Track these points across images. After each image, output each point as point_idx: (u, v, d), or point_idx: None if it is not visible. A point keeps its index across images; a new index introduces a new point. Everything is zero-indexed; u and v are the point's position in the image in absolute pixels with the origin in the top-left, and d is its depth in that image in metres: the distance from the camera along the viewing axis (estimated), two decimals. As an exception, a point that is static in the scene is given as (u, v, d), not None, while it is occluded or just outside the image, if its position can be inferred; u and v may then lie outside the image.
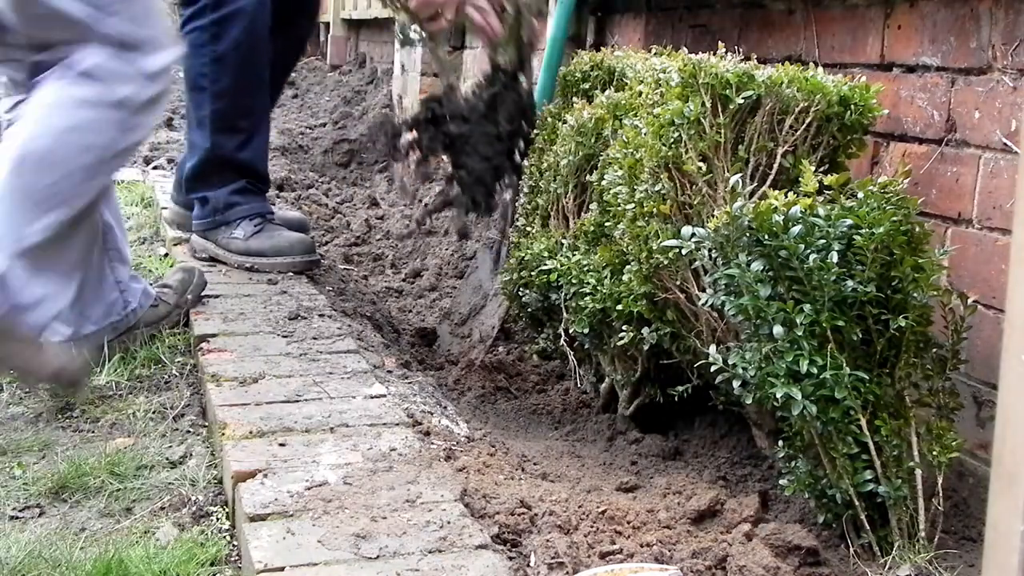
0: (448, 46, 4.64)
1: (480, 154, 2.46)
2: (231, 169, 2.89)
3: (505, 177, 2.53)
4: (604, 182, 1.98)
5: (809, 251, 1.52)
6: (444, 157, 2.55)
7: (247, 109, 2.86)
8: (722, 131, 1.72)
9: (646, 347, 1.94)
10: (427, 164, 2.55)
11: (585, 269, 2.05)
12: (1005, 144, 1.68)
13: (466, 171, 2.48)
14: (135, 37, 2.05)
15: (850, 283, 1.52)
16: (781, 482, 1.67)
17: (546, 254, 2.20)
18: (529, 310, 2.34)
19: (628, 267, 1.90)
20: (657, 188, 1.78)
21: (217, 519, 1.68)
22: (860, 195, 1.56)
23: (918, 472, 1.54)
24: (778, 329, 1.53)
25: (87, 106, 2.04)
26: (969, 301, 1.57)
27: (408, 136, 2.49)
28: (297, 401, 1.95)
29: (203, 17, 2.74)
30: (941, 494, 1.54)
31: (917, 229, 1.58)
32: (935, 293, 1.56)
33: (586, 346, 2.18)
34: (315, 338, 2.32)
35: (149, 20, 2.09)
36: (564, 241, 2.21)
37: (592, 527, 1.52)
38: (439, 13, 2.33)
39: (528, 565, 1.38)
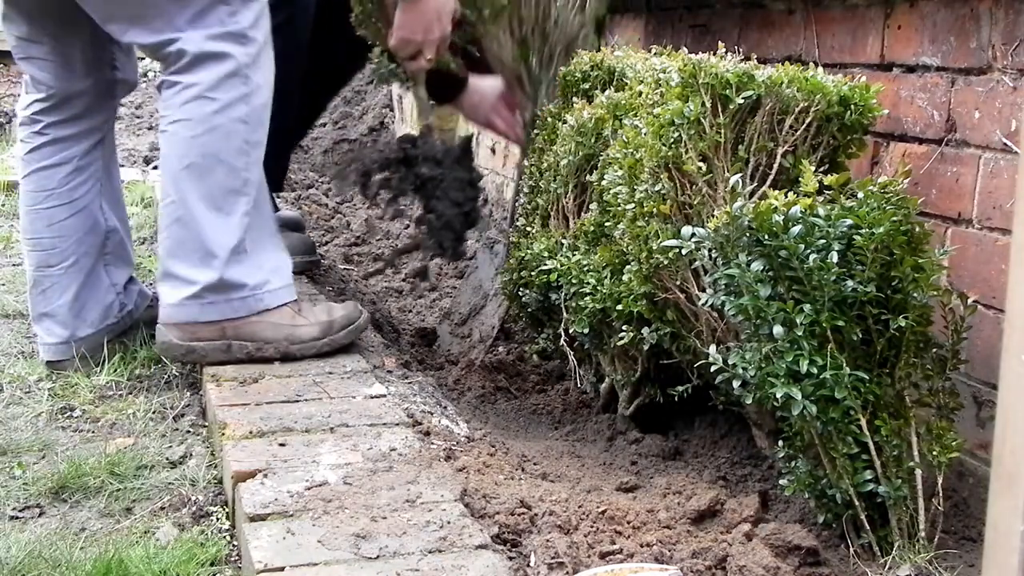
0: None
1: (451, 199, 2.43)
2: None
3: (476, 224, 2.50)
4: (604, 182, 1.98)
5: (809, 251, 1.52)
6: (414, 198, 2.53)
7: None
8: (722, 131, 1.72)
9: (646, 347, 1.94)
10: (397, 203, 2.53)
11: (585, 269, 2.05)
12: (1005, 144, 1.68)
13: (435, 215, 2.43)
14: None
15: (850, 283, 1.52)
16: (781, 482, 1.67)
17: (546, 254, 2.20)
18: (529, 310, 2.34)
19: (628, 267, 1.90)
20: (657, 188, 1.78)
21: (217, 519, 1.68)
22: (860, 195, 1.56)
23: (918, 472, 1.54)
24: (778, 329, 1.53)
25: (214, 91, 2.08)
26: (969, 301, 1.57)
27: (380, 174, 2.47)
28: (297, 401, 1.95)
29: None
30: (941, 494, 1.54)
31: (917, 229, 1.58)
32: (935, 293, 1.56)
33: (586, 346, 2.18)
34: (315, 338, 2.32)
35: None
36: (564, 241, 2.21)
37: (592, 527, 1.52)
38: (419, 53, 2.33)
39: (528, 565, 1.38)
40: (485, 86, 2.59)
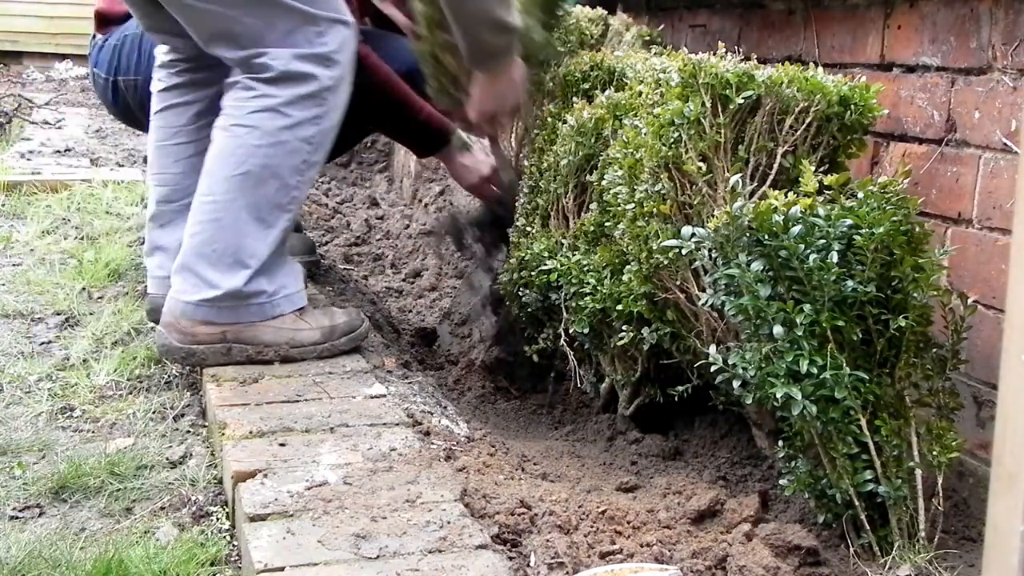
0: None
1: None
2: None
3: None
4: (604, 182, 1.98)
5: (809, 251, 1.52)
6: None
7: None
8: (722, 131, 1.72)
9: (646, 347, 1.94)
10: (490, 259, 2.72)
11: (585, 269, 2.05)
12: (1005, 144, 1.68)
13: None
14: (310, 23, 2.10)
15: (850, 283, 1.52)
16: (781, 482, 1.67)
17: (546, 254, 2.20)
18: (529, 310, 2.34)
19: (628, 267, 1.90)
20: (657, 188, 1.78)
21: (217, 519, 1.68)
22: (860, 195, 1.56)
23: (918, 472, 1.54)
24: (778, 329, 1.53)
25: (288, 107, 2.08)
26: (969, 301, 1.57)
27: (472, 233, 2.73)
28: (297, 401, 1.95)
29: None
30: (941, 494, 1.54)
31: (917, 229, 1.58)
32: (935, 293, 1.56)
33: (586, 346, 2.18)
34: (315, 338, 2.32)
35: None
36: (564, 241, 2.21)
37: (592, 527, 1.52)
38: (496, 120, 2.41)
39: (528, 565, 1.38)
40: (479, 157, 2.69)
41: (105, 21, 2.88)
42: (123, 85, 2.82)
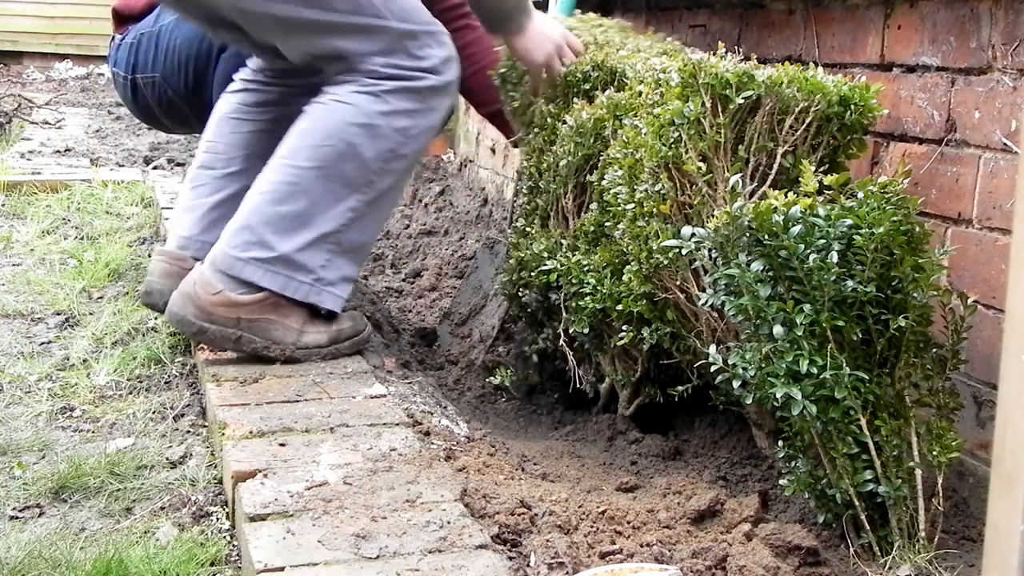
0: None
1: None
2: None
3: None
4: (604, 182, 1.98)
5: (809, 251, 1.52)
6: None
7: None
8: (722, 131, 1.72)
9: (646, 347, 1.94)
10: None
11: (585, 269, 2.05)
12: (1005, 144, 1.68)
13: None
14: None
15: (850, 283, 1.52)
16: (781, 482, 1.67)
17: (546, 254, 2.20)
18: (529, 310, 2.34)
19: (628, 267, 1.90)
20: (657, 188, 1.78)
21: (217, 519, 1.68)
22: (860, 195, 1.56)
23: (918, 472, 1.54)
24: (778, 329, 1.53)
25: (389, 95, 2.11)
26: (969, 301, 1.57)
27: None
28: (297, 401, 1.95)
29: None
30: (941, 494, 1.54)
31: (917, 229, 1.58)
32: (935, 293, 1.56)
33: (586, 346, 2.18)
34: (315, 338, 2.31)
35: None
36: (564, 241, 2.20)
37: (592, 527, 1.52)
38: (550, 67, 2.41)
39: (528, 565, 1.38)
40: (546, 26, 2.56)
41: (122, 19, 2.88)
42: (142, 83, 2.82)
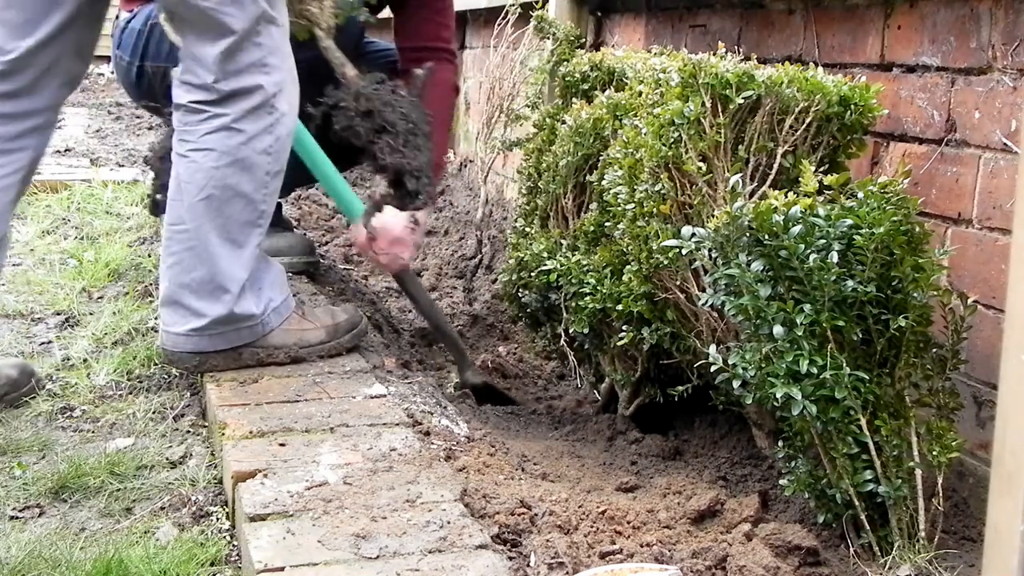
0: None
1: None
2: None
3: None
4: (604, 182, 1.98)
5: (809, 251, 1.52)
6: None
7: None
8: (722, 131, 1.72)
9: (646, 347, 1.94)
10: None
11: (585, 269, 2.05)
12: (1005, 144, 1.68)
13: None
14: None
15: (850, 283, 1.52)
16: (781, 482, 1.67)
17: (545, 254, 2.20)
18: (529, 310, 2.34)
19: (628, 267, 1.90)
20: (657, 188, 1.78)
21: (217, 519, 1.68)
22: (860, 195, 1.56)
23: (918, 472, 1.54)
24: (778, 329, 1.53)
25: (241, 122, 2.03)
26: (969, 301, 1.57)
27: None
28: (297, 401, 1.95)
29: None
30: (941, 494, 1.54)
31: (917, 229, 1.58)
32: (935, 293, 1.56)
33: (586, 346, 2.18)
34: (315, 338, 2.31)
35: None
36: (563, 241, 2.21)
37: (592, 527, 1.52)
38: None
39: (528, 565, 1.38)
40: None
41: None
42: (150, 70, 2.77)
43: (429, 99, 2.54)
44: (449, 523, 1.46)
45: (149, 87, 2.82)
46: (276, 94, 2.05)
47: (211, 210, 2.04)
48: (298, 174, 2.50)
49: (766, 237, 1.55)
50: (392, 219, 2.39)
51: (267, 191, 2.09)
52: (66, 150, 5.17)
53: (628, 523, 1.55)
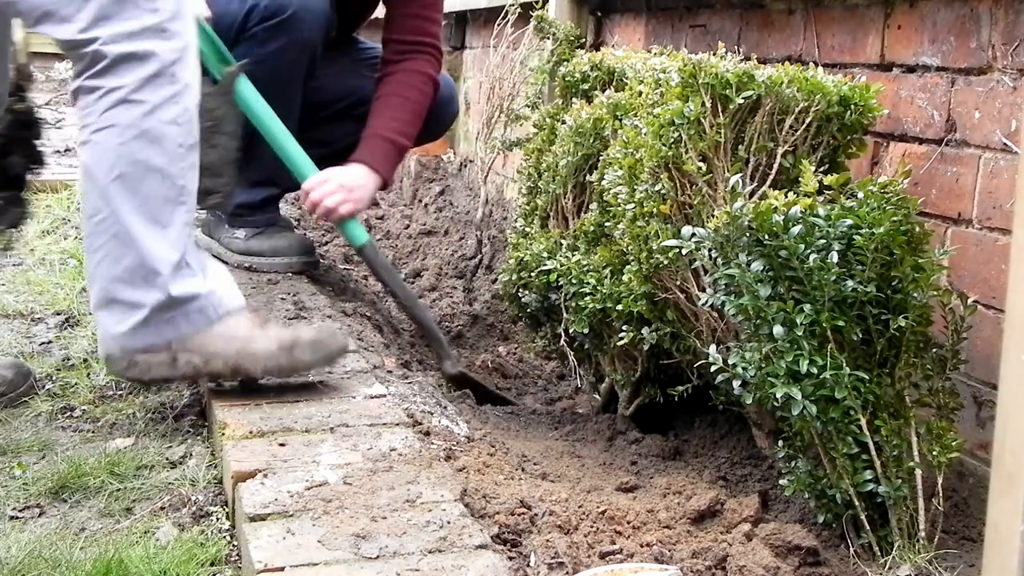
0: (448, 46, 4.65)
1: None
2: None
3: None
4: (604, 182, 1.98)
5: (809, 251, 1.52)
6: None
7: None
8: (722, 131, 1.72)
9: (646, 347, 1.94)
10: None
11: (585, 269, 2.05)
12: (1005, 144, 1.68)
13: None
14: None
15: (850, 283, 1.52)
16: (781, 482, 1.67)
17: (546, 254, 2.20)
18: (529, 310, 2.34)
19: (628, 267, 1.90)
20: (657, 188, 1.78)
21: (217, 519, 1.68)
22: (860, 195, 1.56)
23: (918, 472, 1.54)
24: (778, 329, 1.53)
25: (139, 92, 1.88)
26: (969, 301, 1.57)
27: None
28: (297, 401, 1.95)
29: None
30: (941, 494, 1.54)
31: (917, 229, 1.58)
32: (935, 293, 1.56)
33: (586, 346, 2.18)
34: (315, 338, 2.31)
35: None
36: (563, 241, 2.21)
37: (592, 527, 1.52)
38: None
39: (528, 565, 1.38)
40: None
41: None
42: None
43: (394, 81, 2.66)
44: (449, 523, 1.46)
45: None
46: (175, 61, 1.90)
47: (125, 189, 1.88)
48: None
49: (766, 237, 1.55)
50: (325, 174, 2.60)
51: (183, 164, 1.92)
52: (66, 150, 5.17)
53: (628, 523, 1.55)
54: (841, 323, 1.52)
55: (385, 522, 1.46)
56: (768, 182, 1.72)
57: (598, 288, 1.99)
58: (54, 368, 2.35)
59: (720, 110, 1.72)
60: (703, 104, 1.72)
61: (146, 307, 1.90)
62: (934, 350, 1.60)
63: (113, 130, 1.88)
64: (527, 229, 2.39)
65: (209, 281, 1.96)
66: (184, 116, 1.92)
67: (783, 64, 1.79)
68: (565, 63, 2.73)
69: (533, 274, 2.24)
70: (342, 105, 2.92)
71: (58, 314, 2.70)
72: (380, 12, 2.92)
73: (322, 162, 2.95)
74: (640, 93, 1.99)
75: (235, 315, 1.98)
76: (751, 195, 1.67)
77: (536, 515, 1.53)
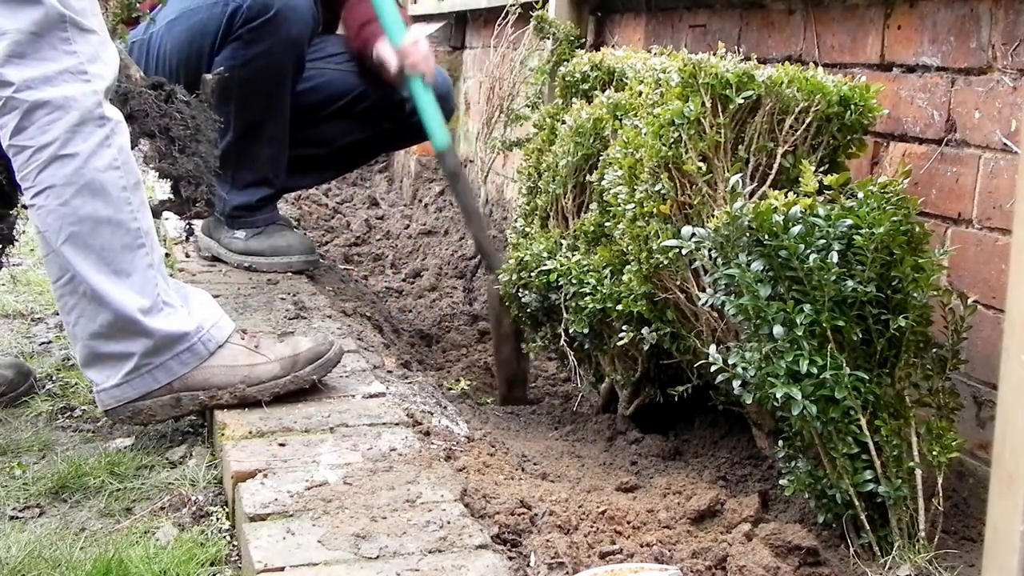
0: (448, 46, 4.66)
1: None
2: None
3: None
4: (604, 182, 1.98)
5: (809, 251, 1.52)
6: None
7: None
8: (722, 131, 1.72)
9: (646, 347, 1.94)
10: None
11: (585, 269, 2.05)
12: (1005, 144, 1.68)
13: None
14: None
15: (850, 283, 1.52)
16: (781, 482, 1.67)
17: (546, 255, 2.20)
18: (529, 310, 2.34)
19: (628, 267, 1.90)
20: (657, 188, 1.78)
21: (217, 519, 1.68)
22: (860, 195, 1.56)
23: (918, 472, 1.54)
24: (778, 329, 1.53)
25: (68, 146, 1.81)
26: (969, 301, 1.57)
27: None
28: (296, 401, 1.95)
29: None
30: (941, 494, 1.54)
31: (917, 229, 1.58)
32: (935, 293, 1.56)
33: (586, 346, 2.18)
34: (315, 338, 2.31)
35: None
36: (563, 241, 2.21)
37: (592, 527, 1.52)
38: None
39: (528, 565, 1.38)
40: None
41: None
42: None
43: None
44: (449, 523, 1.46)
45: None
46: (99, 104, 1.83)
47: (79, 248, 1.83)
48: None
49: (766, 237, 1.55)
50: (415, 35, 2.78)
51: (131, 207, 1.86)
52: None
53: (628, 523, 1.55)
54: (841, 323, 1.52)
55: (385, 522, 1.46)
56: (768, 182, 1.72)
57: (598, 288, 1.99)
58: (54, 368, 2.35)
59: (720, 110, 1.72)
60: (703, 104, 1.72)
61: (135, 355, 1.88)
62: (934, 350, 1.60)
63: (52, 191, 1.82)
64: (527, 229, 2.39)
65: (194, 314, 1.94)
66: (120, 157, 1.86)
67: (783, 64, 1.79)
68: (565, 63, 2.72)
69: (533, 274, 2.24)
70: (337, 105, 2.93)
71: (58, 314, 2.71)
72: None
73: (320, 162, 2.97)
74: (640, 93, 1.99)
75: (229, 344, 1.95)
76: (751, 195, 1.67)
77: (536, 515, 1.53)
